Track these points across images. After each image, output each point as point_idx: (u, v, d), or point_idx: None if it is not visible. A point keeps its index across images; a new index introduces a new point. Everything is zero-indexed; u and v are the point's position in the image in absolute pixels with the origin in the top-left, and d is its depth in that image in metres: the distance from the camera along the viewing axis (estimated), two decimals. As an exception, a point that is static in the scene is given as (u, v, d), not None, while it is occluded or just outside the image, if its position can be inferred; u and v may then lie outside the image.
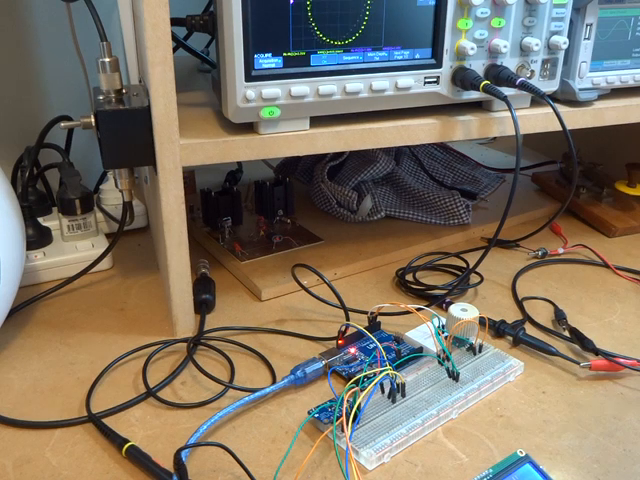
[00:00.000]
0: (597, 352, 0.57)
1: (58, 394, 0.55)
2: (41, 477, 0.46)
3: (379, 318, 0.62)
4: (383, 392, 0.52)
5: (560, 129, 0.64)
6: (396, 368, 0.54)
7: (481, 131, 0.66)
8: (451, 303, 0.61)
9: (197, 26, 0.57)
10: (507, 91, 0.62)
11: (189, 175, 0.92)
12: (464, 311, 0.58)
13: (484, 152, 1.14)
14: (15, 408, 0.53)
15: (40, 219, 0.77)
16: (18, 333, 0.63)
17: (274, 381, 0.56)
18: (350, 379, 0.52)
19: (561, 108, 0.68)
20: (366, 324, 0.61)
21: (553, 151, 1.04)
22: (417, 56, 0.60)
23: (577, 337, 0.60)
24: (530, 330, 0.63)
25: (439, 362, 0.56)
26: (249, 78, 0.55)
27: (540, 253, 0.78)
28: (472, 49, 0.60)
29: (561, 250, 0.79)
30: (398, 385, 0.51)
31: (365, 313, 0.62)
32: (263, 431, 0.50)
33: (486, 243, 0.81)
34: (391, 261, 0.77)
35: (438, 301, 0.67)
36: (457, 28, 0.60)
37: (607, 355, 0.57)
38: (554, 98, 0.68)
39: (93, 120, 0.56)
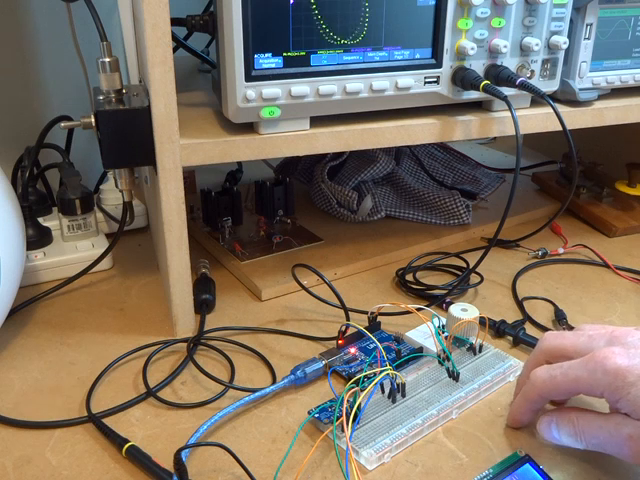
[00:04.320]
0: (597, 352, 0.57)
1: (58, 394, 0.55)
2: (41, 477, 0.46)
3: (379, 318, 0.62)
4: (383, 392, 0.52)
5: (560, 129, 0.64)
6: (396, 368, 0.54)
7: (481, 131, 0.66)
8: (451, 303, 0.61)
9: (197, 26, 0.57)
10: (507, 91, 0.62)
11: (189, 175, 0.92)
12: (464, 311, 0.58)
13: (484, 152, 1.14)
14: (15, 408, 0.53)
15: (40, 219, 0.77)
16: (18, 333, 0.63)
17: (274, 381, 0.56)
18: (350, 379, 0.52)
19: (561, 108, 0.68)
20: (366, 324, 0.61)
21: (553, 151, 1.04)
22: (417, 56, 0.60)
23: (577, 337, 0.60)
24: (530, 330, 0.63)
25: (439, 362, 0.56)
26: (249, 78, 0.55)
27: (540, 253, 0.78)
28: (472, 49, 0.60)
29: (561, 250, 0.79)
30: (398, 385, 0.51)
31: (365, 313, 0.62)
32: (263, 431, 0.50)
33: (486, 243, 0.81)
34: (391, 261, 0.77)
35: (438, 301, 0.67)
36: (457, 28, 0.60)
37: (607, 355, 0.57)
38: (554, 98, 0.68)
39: (93, 120, 0.56)
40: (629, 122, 0.72)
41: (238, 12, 0.52)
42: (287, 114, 0.57)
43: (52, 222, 0.78)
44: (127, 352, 0.59)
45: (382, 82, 0.59)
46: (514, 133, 0.61)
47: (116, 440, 0.48)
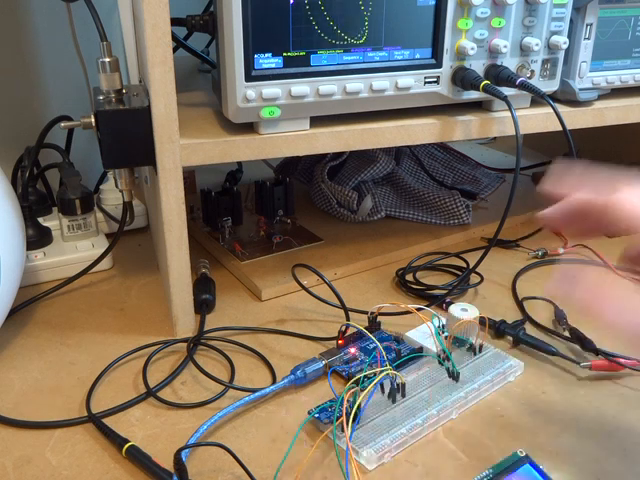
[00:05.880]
0: (597, 352, 0.57)
1: (58, 394, 0.55)
2: (41, 477, 0.46)
3: (379, 318, 0.62)
4: (383, 392, 0.52)
5: (560, 129, 0.64)
6: (396, 368, 0.54)
7: (481, 131, 0.66)
8: (451, 303, 0.61)
9: (197, 26, 0.57)
10: (507, 91, 0.62)
11: (189, 175, 0.92)
12: (464, 311, 0.58)
13: (484, 152, 1.14)
14: (15, 408, 0.53)
15: (40, 219, 0.77)
16: (18, 333, 0.63)
17: (274, 381, 0.56)
18: (350, 379, 0.52)
19: (561, 108, 0.68)
20: (366, 324, 0.61)
21: (553, 151, 1.04)
22: (417, 56, 0.60)
23: (577, 337, 0.60)
24: (530, 330, 0.63)
25: (439, 362, 0.56)
26: (249, 78, 0.55)
27: (540, 253, 0.78)
28: (472, 49, 0.60)
29: (561, 250, 0.79)
30: (398, 385, 0.51)
31: (365, 313, 0.62)
32: (263, 431, 0.50)
33: (486, 243, 0.81)
34: (391, 261, 0.77)
35: (438, 301, 0.67)
36: (457, 28, 0.60)
37: (607, 355, 0.57)
38: (554, 98, 0.68)
39: (93, 120, 0.56)
40: (629, 122, 0.72)
41: (238, 12, 0.52)
42: (287, 114, 0.57)
43: (52, 222, 0.78)
44: (127, 352, 0.59)
45: (382, 82, 0.59)
46: (514, 133, 0.61)
47: (116, 440, 0.48)
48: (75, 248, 0.75)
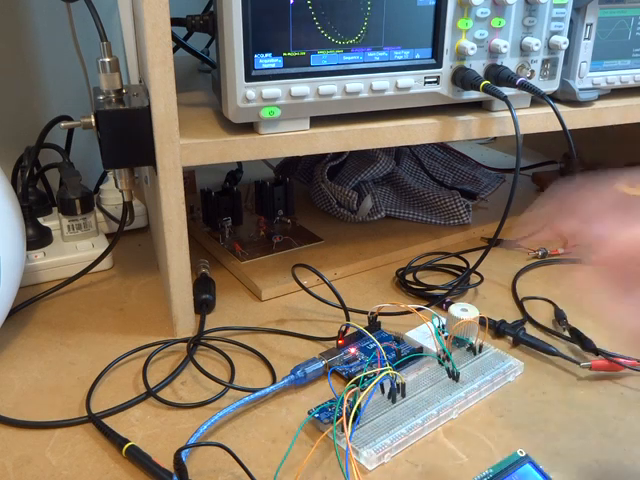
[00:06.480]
0: (597, 352, 0.57)
1: (58, 394, 0.55)
2: (41, 477, 0.46)
3: (379, 318, 0.62)
4: (383, 392, 0.52)
5: (560, 129, 0.64)
6: (396, 368, 0.54)
7: (481, 131, 0.66)
8: (451, 303, 0.61)
9: (197, 26, 0.57)
10: (507, 91, 0.62)
11: (189, 175, 0.92)
12: (464, 311, 0.58)
13: (484, 152, 1.14)
14: (15, 408, 0.53)
15: (40, 219, 0.77)
16: (18, 333, 0.63)
17: (274, 381, 0.56)
18: (350, 379, 0.52)
19: (561, 108, 0.68)
20: (366, 324, 0.61)
21: (553, 151, 1.04)
22: (417, 56, 0.60)
23: (577, 337, 0.60)
24: (530, 330, 0.63)
25: (439, 362, 0.56)
26: (249, 78, 0.55)
27: (540, 253, 0.78)
28: (472, 49, 0.60)
29: (561, 250, 0.79)
30: (398, 385, 0.51)
31: (365, 313, 0.62)
32: (263, 431, 0.50)
33: (486, 243, 0.81)
34: (391, 261, 0.77)
35: (438, 301, 0.67)
36: (457, 28, 0.60)
37: (607, 355, 0.57)
38: (554, 98, 0.68)
39: (93, 120, 0.56)
40: (629, 122, 0.72)
41: (238, 12, 0.52)
42: (287, 114, 0.57)
43: (52, 222, 0.78)
44: (127, 352, 0.59)
45: (382, 82, 0.59)
46: (514, 133, 0.61)
47: (116, 440, 0.48)
48: (75, 248, 0.75)
